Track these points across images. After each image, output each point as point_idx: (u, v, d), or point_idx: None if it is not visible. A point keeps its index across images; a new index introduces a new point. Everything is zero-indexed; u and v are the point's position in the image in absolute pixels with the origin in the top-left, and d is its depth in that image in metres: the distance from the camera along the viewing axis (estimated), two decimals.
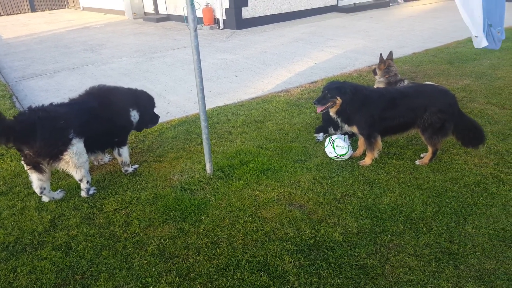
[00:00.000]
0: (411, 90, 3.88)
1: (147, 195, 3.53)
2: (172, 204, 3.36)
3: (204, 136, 3.65)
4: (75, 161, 3.39)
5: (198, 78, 3.42)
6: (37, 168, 3.34)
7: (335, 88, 3.68)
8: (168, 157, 4.24)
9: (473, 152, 3.90)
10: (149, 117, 4.20)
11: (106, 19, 16.77)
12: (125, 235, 3.05)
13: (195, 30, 3.25)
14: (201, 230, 3.04)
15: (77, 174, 3.50)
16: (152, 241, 2.96)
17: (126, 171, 3.98)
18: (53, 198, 3.57)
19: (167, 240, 2.96)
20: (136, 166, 4.09)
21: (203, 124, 3.60)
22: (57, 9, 23.28)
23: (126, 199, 3.50)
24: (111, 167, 4.14)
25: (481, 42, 4.73)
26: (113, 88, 3.96)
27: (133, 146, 4.56)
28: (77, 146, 3.37)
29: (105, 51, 10.07)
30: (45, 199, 3.55)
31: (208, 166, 3.77)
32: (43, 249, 2.95)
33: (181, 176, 3.83)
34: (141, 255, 2.83)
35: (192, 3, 3.11)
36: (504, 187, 3.33)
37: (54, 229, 3.18)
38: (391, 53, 5.23)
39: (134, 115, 3.95)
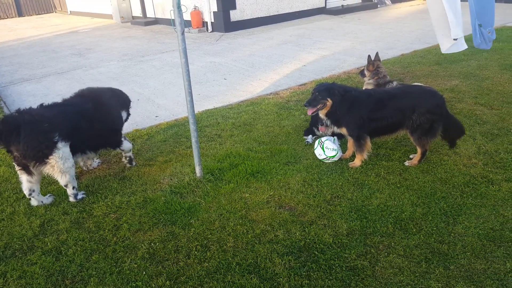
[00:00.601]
0: (399, 91, 3.91)
1: (137, 199, 3.49)
2: (162, 208, 3.32)
3: (193, 140, 3.62)
4: (60, 166, 3.33)
5: (186, 82, 3.40)
6: (27, 169, 3.33)
7: (325, 90, 3.69)
8: (158, 161, 4.20)
9: (462, 153, 3.94)
10: (128, 115, 4.34)
11: (94, 23, 16.62)
12: (115, 239, 3.02)
13: (183, 33, 3.23)
14: (191, 234, 3.02)
15: (62, 180, 3.43)
16: (142, 245, 2.93)
17: (129, 158, 4.10)
18: (42, 202, 3.52)
19: (157, 243, 2.93)
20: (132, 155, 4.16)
21: (192, 127, 3.58)
22: (44, 13, 22.97)
23: (116, 203, 3.46)
24: (100, 171, 4.08)
25: (461, 45, 4.79)
26: (102, 89, 4.04)
27: None
28: (63, 150, 3.32)
29: (93, 55, 9.98)
30: (33, 202, 3.49)
31: (197, 170, 3.74)
32: (32, 254, 2.91)
33: (171, 179, 3.79)
34: (131, 259, 2.80)
35: (178, 6, 3.10)
36: (493, 187, 3.36)
37: (43, 234, 3.13)
38: (377, 54, 5.28)
39: (123, 115, 4.11)
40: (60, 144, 3.28)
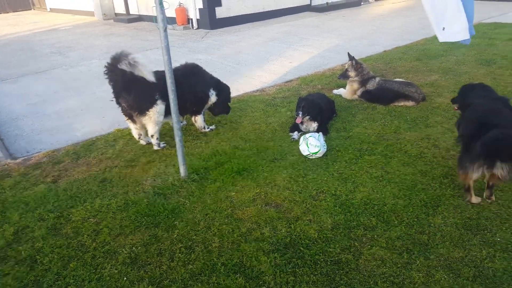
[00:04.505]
0: None
1: (118, 202, 3.42)
2: (144, 210, 3.26)
3: (177, 139, 3.57)
4: (155, 118, 4.15)
5: (170, 79, 3.35)
6: (131, 119, 4.24)
7: None
8: (140, 162, 4.13)
9: (441, 145, 4.01)
10: (223, 107, 4.85)
11: (74, 21, 16.26)
12: (94, 244, 2.93)
13: (165, 30, 3.18)
14: (175, 235, 2.98)
15: (151, 129, 4.24)
16: (123, 249, 2.86)
17: (204, 132, 4.75)
18: (148, 141, 4.45)
19: (139, 247, 2.87)
20: (213, 127, 4.83)
21: (175, 126, 3.53)
22: (22, 10, 22.31)
23: (95, 207, 3.37)
24: (79, 173, 3.98)
25: (460, 35, 4.81)
26: (200, 68, 4.67)
27: (102, 151, 4.42)
28: (160, 107, 4.13)
29: (74, 54, 9.77)
30: (142, 142, 4.49)
31: (182, 169, 3.70)
32: (5, 264, 2.79)
33: (154, 180, 3.75)
34: (111, 265, 2.73)
35: (161, 3, 3.05)
36: None
37: (17, 242, 3.02)
38: (348, 54, 5.48)
39: (212, 95, 4.64)
40: (158, 101, 4.11)
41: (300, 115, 4.37)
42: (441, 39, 4.73)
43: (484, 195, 3.15)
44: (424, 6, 4.28)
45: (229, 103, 4.92)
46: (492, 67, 6.36)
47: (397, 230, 2.86)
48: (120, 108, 4.25)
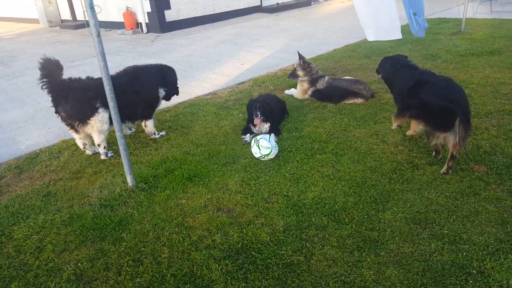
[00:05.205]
0: None
1: (62, 217, 3.23)
2: (90, 224, 3.09)
3: (121, 147, 3.41)
4: (98, 127, 3.93)
5: (107, 86, 3.20)
6: (74, 128, 4.00)
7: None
8: (86, 173, 3.92)
9: (389, 141, 4.14)
10: (174, 90, 4.73)
11: (18, 29, 15.33)
12: (37, 262, 2.76)
13: (98, 35, 3.03)
14: (123, 248, 2.84)
15: (97, 139, 4.03)
16: (68, 266, 2.70)
17: (154, 138, 4.58)
18: (95, 151, 4.25)
19: (85, 263, 2.72)
20: (163, 133, 4.66)
21: (118, 134, 3.37)
22: None
23: (39, 223, 3.16)
24: (21, 188, 3.71)
25: (393, 34, 5.01)
26: (143, 67, 4.50)
27: (47, 164, 4.15)
28: (102, 115, 3.90)
29: (18, 63, 9.20)
30: (88, 152, 4.27)
31: (129, 179, 3.54)
32: None
33: (101, 192, 3.56)
34: (55, 283, 2.57)
35: (91, 7, 2.90)
36: (418, 171, 3.53)
37: None
38: (298, 53, 5.58)
39: (161, 92, 4.53)
40: (100, 109, 3.87)
41: (259, 115, 4.35)
42: (371, 38, 5.00)
43: (445, 168, 3.48)
44: (356, 8, 4.49)
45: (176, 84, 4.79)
46: (437, 62, 6.67)
47: (347, 228, 2.89)
48: (61, 119, 4.01)
